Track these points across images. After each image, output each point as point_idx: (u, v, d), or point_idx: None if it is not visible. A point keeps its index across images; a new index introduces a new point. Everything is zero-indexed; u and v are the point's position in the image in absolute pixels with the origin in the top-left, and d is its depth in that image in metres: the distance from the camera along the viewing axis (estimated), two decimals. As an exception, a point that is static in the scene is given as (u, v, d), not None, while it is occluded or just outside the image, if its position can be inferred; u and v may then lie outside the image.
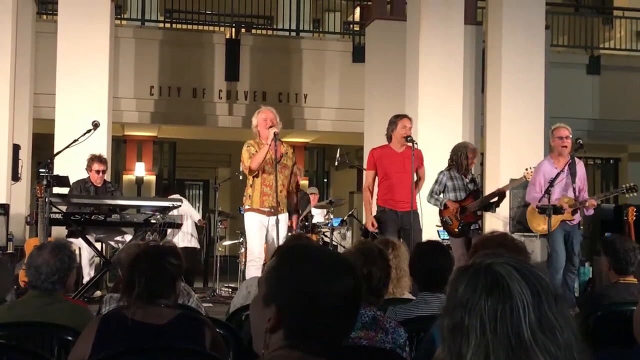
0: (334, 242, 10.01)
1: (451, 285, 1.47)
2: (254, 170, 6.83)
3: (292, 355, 1.59)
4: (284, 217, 6.97)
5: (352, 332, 1.70)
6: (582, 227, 7.58)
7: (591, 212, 7.55)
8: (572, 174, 7.39)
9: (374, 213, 7.30)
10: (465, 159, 7.70)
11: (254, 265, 6.87)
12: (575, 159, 7.49)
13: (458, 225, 7.66)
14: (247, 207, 6.99)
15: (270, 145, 6.68)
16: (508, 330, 1.37)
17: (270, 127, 6.73)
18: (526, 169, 7.81)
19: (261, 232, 6.92)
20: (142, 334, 2.76)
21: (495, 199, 7.86)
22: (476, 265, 1.46)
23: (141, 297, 2.88)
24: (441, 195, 7.75)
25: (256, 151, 6.83)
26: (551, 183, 7.04)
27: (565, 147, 7.40)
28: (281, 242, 6.48)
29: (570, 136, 7.46)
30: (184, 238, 10.66)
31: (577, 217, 7.44)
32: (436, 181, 7.76)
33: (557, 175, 7.13)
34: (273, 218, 6.76)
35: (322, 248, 1.72)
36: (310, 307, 1.58)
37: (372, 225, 7.12)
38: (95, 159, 8.30)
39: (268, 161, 6.82)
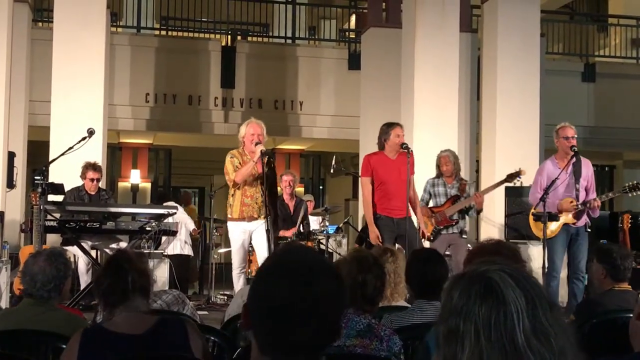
0: (329, 249, 9.99)
1: (446, 293, 1.48)
2: (238, 184, 7.01)
3: None
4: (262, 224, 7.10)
5: (338, 339, 1.64)
6: (589, 229, 7.25)
7: (597, 213, 7.22)
8: (576, 173, 7.16)
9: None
10: (437, 166, 8.11)
11: (237, 272, 7.09)
12: (582, 158, 7.23)
13: (432, 230, 7.90)
14: (229, 216, 7.19)
15: (256, 162, 6.85)
16: (502, 337, 1.37)
17: (257, 143, 6.87)
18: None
19: (243, 240, 7.11)
20: (125, 344, 2.74)
21: (471, 204, 7.99)
22: (471, 273, 1.47)
23: (133, 289, 2.90)
24: (430, 202, 8.09)
25: (239, 163, 6.99)
26: (546, 190, 6.91)
27: (574, 146, 7.12)
28: (264, 246, 6.69)
29: (576, 136, 7.23)
30: (178, 245, 10.64)
31: (583, 220, 7.15)
32: (423, 189, 8.09)
33: (554, 180, 6.97)
34: (253, 223, 7.01)
35: (302, 254, 1.64)
36: (274, 313, 1.54)
37: (378, 238, 7.05)
38: (89, 167, 8.29)
39: (251, 173, 7.01)
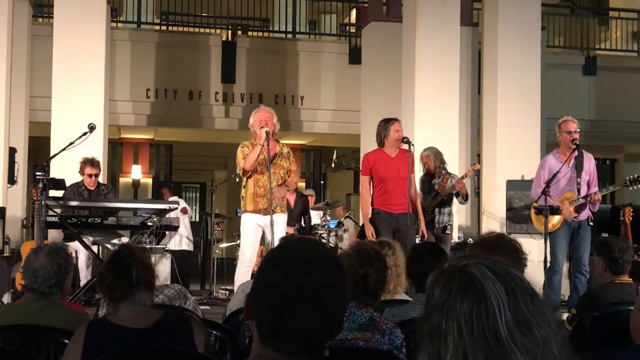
0: (330, 244, 10.00)
1: (428, 290, 1.47)
2: (248, 171, 6.76)
3: (267, 355, 1.57)
4: (281, 217, 6.88)
5: (339, 332, 1.63)
6: (592, 223, 7.19)
7: (597, 207, 7.15)
8: (578, 167, 7.11)
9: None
10: (423, 164, 8.36)
11: (245, 268, 6.85)
12: (584, 152, 7.21)
13: None
14: (242, 209, 6.95)
15: (262, 145, 6.61)
16: (485, 331, 1.36)
17: (262, 127, 6.67)
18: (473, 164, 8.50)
19: (256, 234, 6.85)
20: (130, 338, 2.75)
21: (454, 190, 8.16)
22: (450, 268, 1.46)
23: (137, 283, 2.91)
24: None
25: (250, 152, 6.77)
26: (548, 183, 6.91)
27: (576, 139, 7.07)
28: (277, 242, 6.46)
29: (579, 130, 7.18)
30: (180, 241, 10.70)
31: (585, 213, 7.08)
32: None
33: (555, 174, 6.94)
34: (268, 217, 6.66)
35: (304, 244, 1.66)
36: (276, 302, 1.54)
37: (372, 235, 7.08)
38: (87, 162, 8.26)
39: (261, 162, 6.75)
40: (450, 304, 1.40)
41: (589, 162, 7.25)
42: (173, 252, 10.10)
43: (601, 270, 4.39)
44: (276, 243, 6.56)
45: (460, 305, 1.39)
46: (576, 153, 7.12)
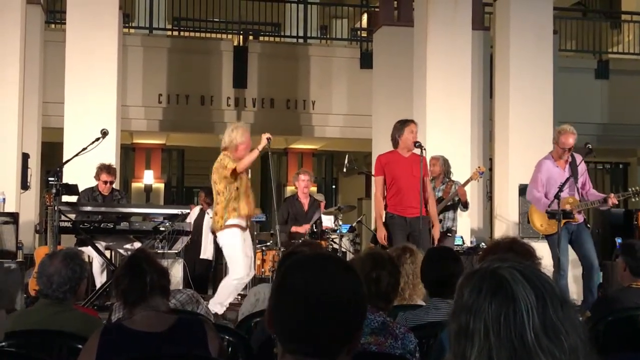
0: (342, 249, 9.98)
1: (458, 290, 1.49)
2: (239, 172, 6.82)
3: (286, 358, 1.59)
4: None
5: (358, 336, 1.65)
6: (589, 226, 7.27)
7: (605, 207, 7.28)
8: (574, 172, 7.18)
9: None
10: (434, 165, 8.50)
11: (247, 277, 6.99)
12: (574, 154, 7.27)
13: None
14: (233, 221, 6.70)
15: (261, 150, 6.88)
16: (511, 334, 1.37)
17: (264, 134, 6.91)
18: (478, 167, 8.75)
19: (247, 244, 6.83)
20: (144, 342, 2.76)
21: (455, 198, 8.38)
22: (482, 270, 1.47)
23: (152, 288, 2.92)
24: None
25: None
26: (561, 188, 6.91)
27: (564, 155, 7.24)
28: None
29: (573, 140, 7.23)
30: (209, 249, 11.01)
31: (581, 216, 7.21)
32: None
33: (568, 179, 6.98)
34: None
35: (320, 252, 1.72)
36: (292, 306, 1.58)
37: (384, 238, 7.05)
38: (104, 169, 8.28)
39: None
40: (479, 304, 1.41)
41: (581, 164, 7.33)
42: (206, 261, 10.74)
43: (621, 270, 4.36)
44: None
45: (488, 307, 1.40)
46: (570, 159, 7.17)
